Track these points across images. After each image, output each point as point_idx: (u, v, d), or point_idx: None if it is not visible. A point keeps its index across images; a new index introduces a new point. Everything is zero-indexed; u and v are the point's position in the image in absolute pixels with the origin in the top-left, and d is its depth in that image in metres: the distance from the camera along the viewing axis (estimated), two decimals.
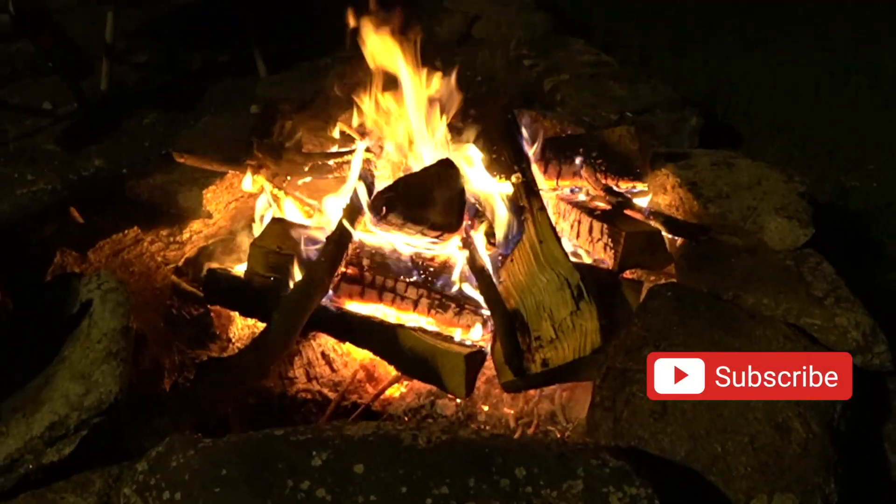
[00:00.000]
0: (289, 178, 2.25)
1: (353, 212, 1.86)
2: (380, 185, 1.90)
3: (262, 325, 1.77)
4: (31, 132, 2.97)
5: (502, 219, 1.88)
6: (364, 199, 1.88)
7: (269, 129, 2.75)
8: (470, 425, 1.66)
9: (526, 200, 1.77)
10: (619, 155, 2.11)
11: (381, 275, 1.82)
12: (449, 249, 1.87)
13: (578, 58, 3.45)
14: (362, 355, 1.82)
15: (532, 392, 1.69)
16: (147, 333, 1.64)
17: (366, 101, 2.07)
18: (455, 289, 1.83)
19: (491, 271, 1.75)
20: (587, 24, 4.20)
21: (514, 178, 1.85)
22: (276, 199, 2.22)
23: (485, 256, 1.80)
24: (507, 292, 1.69)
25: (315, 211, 2.14)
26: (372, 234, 1.88)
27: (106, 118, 3.08)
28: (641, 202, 2.14)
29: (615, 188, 2.09)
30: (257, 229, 2.10)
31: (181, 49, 3.89)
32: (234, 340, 1.97)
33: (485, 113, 2.07)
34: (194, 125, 3.04)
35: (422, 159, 1.98)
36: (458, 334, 1.76)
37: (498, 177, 1.92)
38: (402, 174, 1.93)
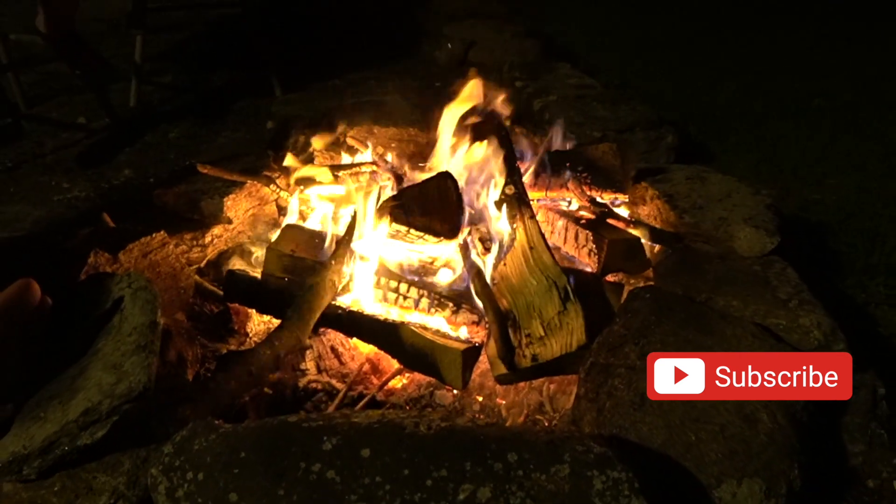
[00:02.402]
0: (301, 187, 2.26)
1: (360, 218, 1.87)
2: (385, 195, 1.91)
3: (276, 322, 1.77)
4: (66, 145, 2.97)
5: (496, 226, 1.89)
6: (371, 207, 1.89)
7: (284, 144, 2.75)
8: (466, 414, 1.66)
9: (518, 210, 1.78)
10: (602, 169, 2.12)
11: (385, 276, 1.83)
12: (448, 254, 1.88)
13: (565, 81, 3.46)
14: (368, 349, 1.82)
15: (522, 384, 1.70)
16: (172, 328, 1.64)
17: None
18: (453, 290, 1.83)
19: (486, 274, 1.76)
20: (573, 51, 4.23)
21: (507, 189, 1.86)
22: (290, 206, 2.22)
23: (480, 261, 1.81)
24: (500, 293, 1.69)
25: (327, 217, 2.15)
26: (378, 239, 1.88)
27: (135, 133, 3.09)
28: (623, 212, 2.15)
29: (599, 199, 2.10)
30: (273, 234, 2.11)
31: (203, 70, 3.91)
32: (251, 335, 1.97)
33: (481, 130, 2.08)
34: (215, 139, 3.05)
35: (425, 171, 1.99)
36: (455, 331, 1.76)
37: (493, 188, 1.93)
38: (405, 185, 1.94)
